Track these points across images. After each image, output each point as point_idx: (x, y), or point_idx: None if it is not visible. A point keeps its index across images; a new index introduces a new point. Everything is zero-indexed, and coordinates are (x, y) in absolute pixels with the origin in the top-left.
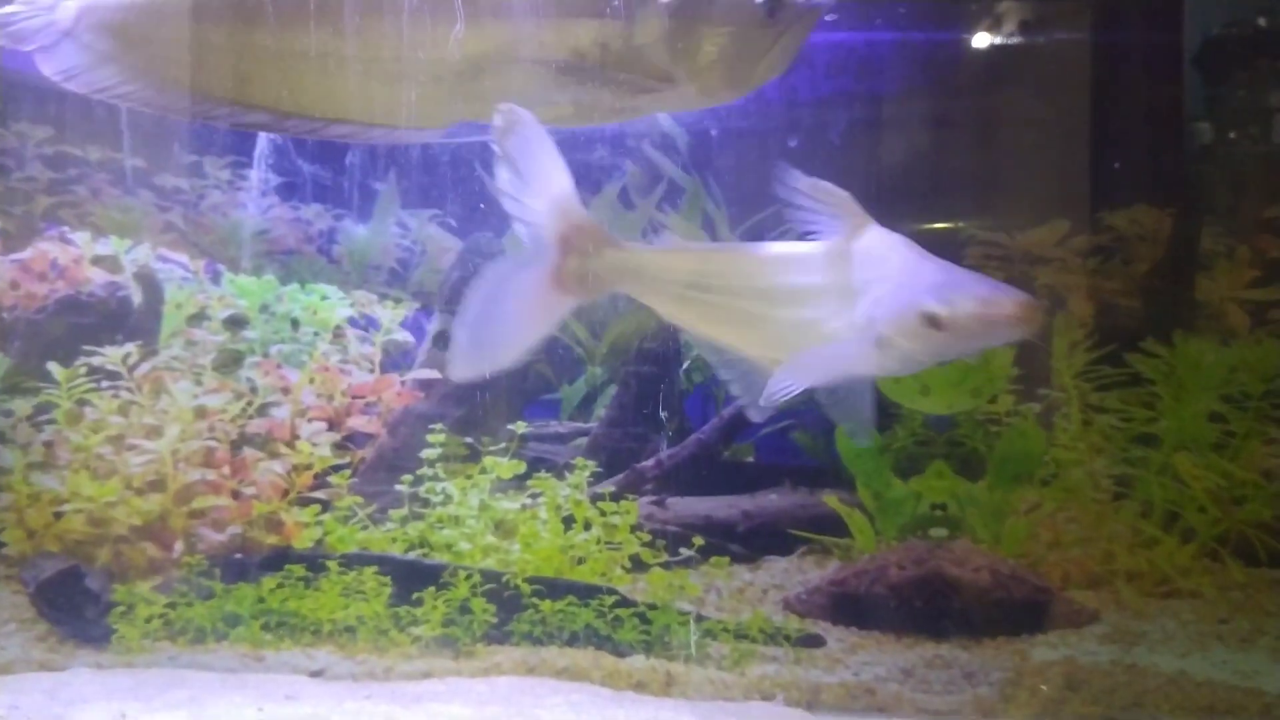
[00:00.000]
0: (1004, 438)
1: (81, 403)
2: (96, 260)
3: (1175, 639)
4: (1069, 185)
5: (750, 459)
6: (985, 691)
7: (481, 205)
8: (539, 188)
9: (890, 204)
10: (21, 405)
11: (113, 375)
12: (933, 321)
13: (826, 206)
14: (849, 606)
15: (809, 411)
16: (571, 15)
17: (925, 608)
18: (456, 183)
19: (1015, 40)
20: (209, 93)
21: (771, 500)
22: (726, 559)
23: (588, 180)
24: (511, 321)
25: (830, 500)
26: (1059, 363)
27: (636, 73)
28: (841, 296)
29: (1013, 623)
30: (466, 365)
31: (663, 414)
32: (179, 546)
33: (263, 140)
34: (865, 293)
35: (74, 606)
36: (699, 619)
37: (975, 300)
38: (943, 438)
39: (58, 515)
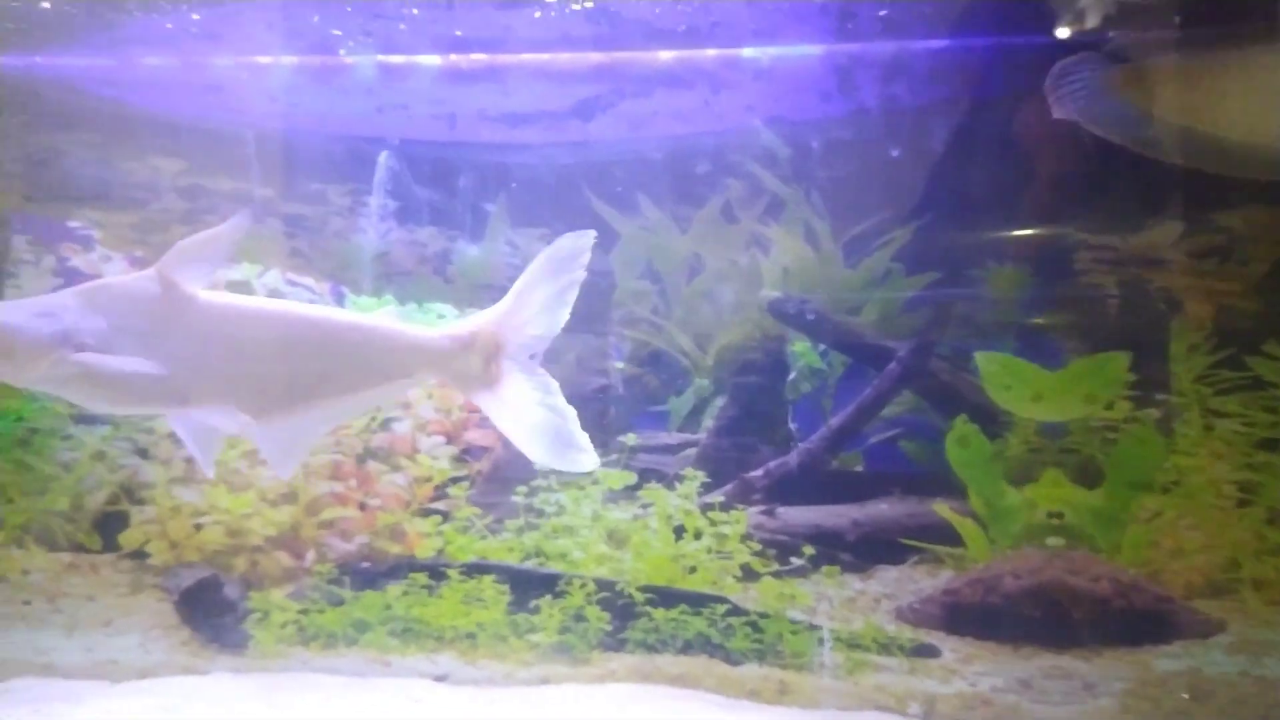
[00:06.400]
0: (1121, 444)
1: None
2: (230, 285)
3: None
4: (1181, 186)
5: (859, 468)
6: (1106, 703)
7: (587, 223)
8: None
9: (996, 210)
10: (162, 424)
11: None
12: None
13: None
14: (963, 616)
15: (917, 420)
16: None
17: (1043, 617)
18: (561, 201)
19: (1117, 43)
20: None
21: (881, 509)
22: (837, 568)
23: (690, 195)
24: None
25: (941, 509)
26: (1177, 367)
27: None
28: None
29: (1134, 633)
30: None
31: (793, 426)
32: (310, 555)
33: (381, 167)
34: None
35: (213, 613)
36: (813, 627)
37: None
38: (1056, 445)
39: (197, 527)
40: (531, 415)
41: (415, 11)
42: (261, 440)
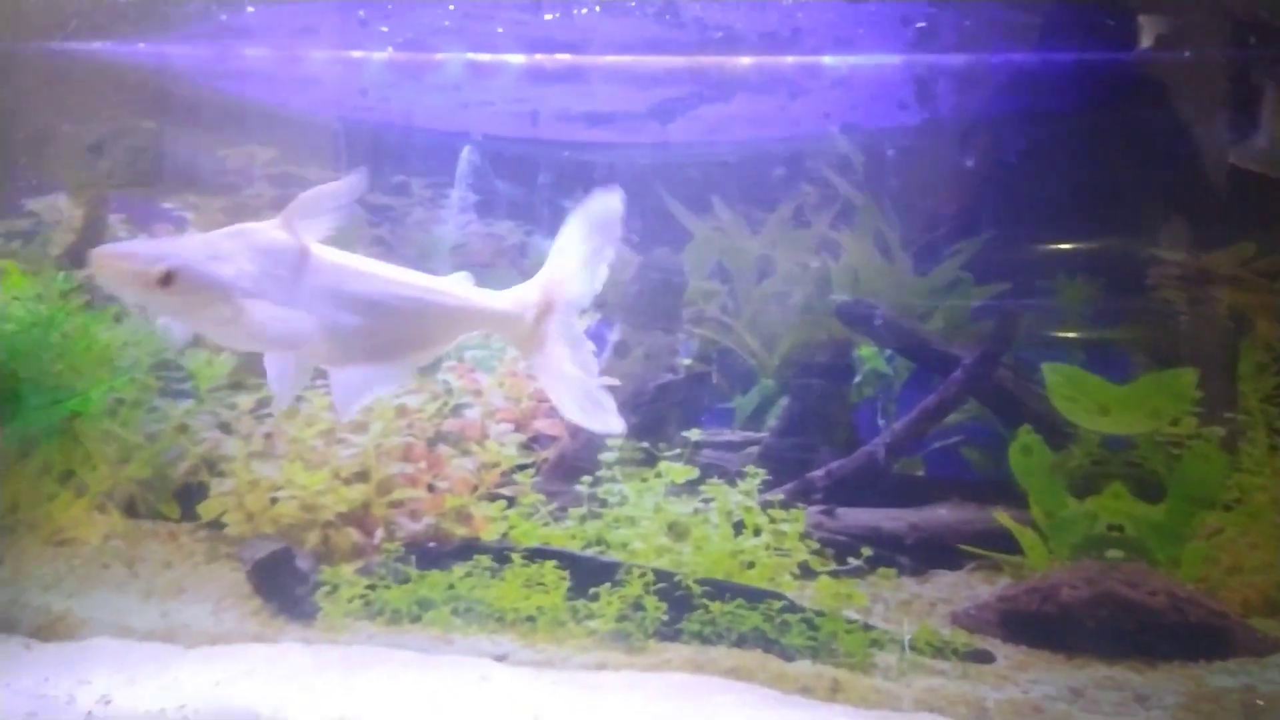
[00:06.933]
0: (1185, 460)
1: (297, 398)
2: None
3: None
4: (1251, 205)
5: (919, 472)
6: (1158, 715)
7: (661, 221)
8: None
9: (1068, 222)
10: (245, 400)
11: (325, 374)
12: None
13: None
14: (1019, 624)
15: (979, 427)
16: None
17: (1098, 628)
18: (636, 200)
19: (1195, 59)
20: None
21: (940, 514)
22: (894, 570)
23: (764, 198)
24: None
25: (1001, 517)
26: (1245, 386)
27: None
28: None
29: (1189, 648)
30: None
31: (880, 422)
32: (379, 533)
33: (463, 161)
34: None
35: (285, 585)
36: (867, 628)
37: None
38: (1120, 458)
39: (273, 500)
40: (567, 372)
41: (494, 12)
42: (335, 384)
